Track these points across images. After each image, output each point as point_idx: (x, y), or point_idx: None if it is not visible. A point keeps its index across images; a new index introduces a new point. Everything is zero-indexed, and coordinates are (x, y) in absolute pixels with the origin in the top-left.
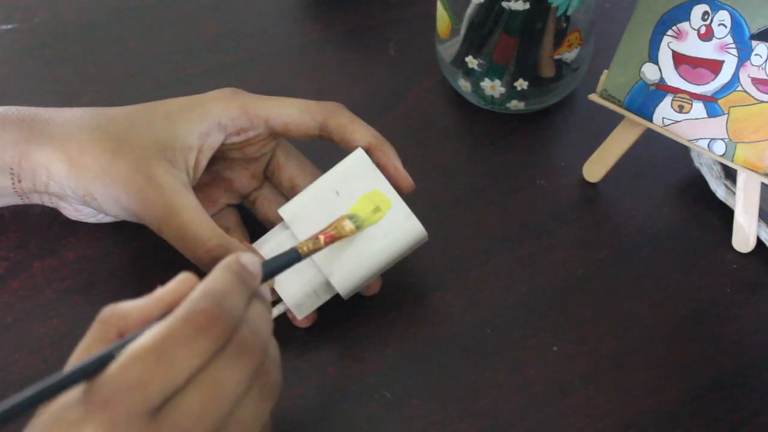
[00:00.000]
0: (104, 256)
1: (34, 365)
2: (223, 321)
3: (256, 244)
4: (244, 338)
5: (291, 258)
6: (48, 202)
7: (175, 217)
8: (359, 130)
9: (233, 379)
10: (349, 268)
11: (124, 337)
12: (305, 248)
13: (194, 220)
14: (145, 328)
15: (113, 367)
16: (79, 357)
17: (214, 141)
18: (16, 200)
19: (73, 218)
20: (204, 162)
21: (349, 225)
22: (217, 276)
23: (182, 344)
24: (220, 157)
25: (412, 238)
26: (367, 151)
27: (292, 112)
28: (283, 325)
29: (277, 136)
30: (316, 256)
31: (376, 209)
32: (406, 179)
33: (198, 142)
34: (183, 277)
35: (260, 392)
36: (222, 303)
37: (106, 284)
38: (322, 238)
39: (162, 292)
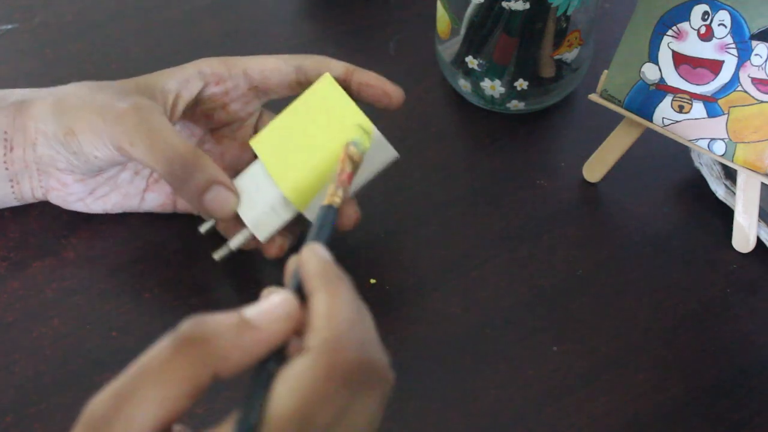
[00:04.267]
0: (104, 256)
1: (34, 365)
2: (367, 363)
3: (235, 181)
4: (377, 367)
5: (331, 216)
6: (37, 185)
7: (147, 127)
8: (333, 62)
9: (367, 414)
10: (304, 181)
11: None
12: (336, 199)
13: (167, 129)
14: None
15: None
16: (150, 370)
17: (194, 87)
18: (7, 190)
19: (61, 202)
20: (181, 106)
21: (355, 152)
22: (337, 300)
23: (327, 404)
24: (208, 136)
25: (379, 159)
26: (345, 77)
27: (269, 61)
28: None
29: (257, 91)
30: (271, 170)
31: (361, 130)
32: (395, 89)
33: (177, 86)
34: (283, 304)
35: (382, 405)
36: (363, 340)
37: (106, 284)
38: (345, 179)
39: (258, 316)
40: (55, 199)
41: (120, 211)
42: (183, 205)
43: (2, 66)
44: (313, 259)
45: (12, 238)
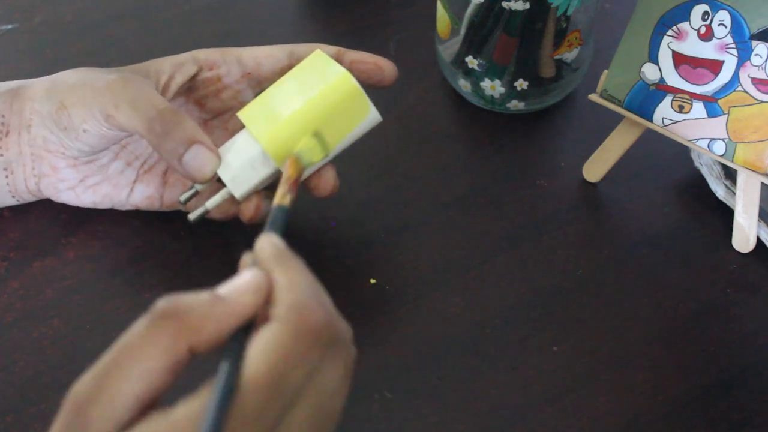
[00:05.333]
0: (104, 256)
1: (34, 365)
2: (330, 326)
3: (221, 150)
4: (341, 333)
5: (282, 216)
6: (30, 173)
7: (133, 91)
8: (325, 46)
9: (335, 378)
10: (284, 137)
11: (229, 347)
12: (286, 200)
13: (152, 93)
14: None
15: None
16: (129, 347)
17: (188, 70)
18: (1, 181)
19: (52, 191)
20: (174, 87)
21: (298, 161)
22: (295, 274)
23: (297, 364)
24: (201, 127)
25: (363, 121)
26: (337, 57)
27: (263, 48)
28: None
29: (250, 79)
30: (252, 130)
31: (347, 106)
32: (388, 63)
33: (171, 68)
34: (254, 280)
35: (347, 373)
36: (324, 304)
37: (106, 284)
38: (293, 185)
39: (229, 290)
40: (47, 187)
41: (108, 205)
42: (169, 200)
43: (2, 66)
44: (267, 244)
45: (12, 238)
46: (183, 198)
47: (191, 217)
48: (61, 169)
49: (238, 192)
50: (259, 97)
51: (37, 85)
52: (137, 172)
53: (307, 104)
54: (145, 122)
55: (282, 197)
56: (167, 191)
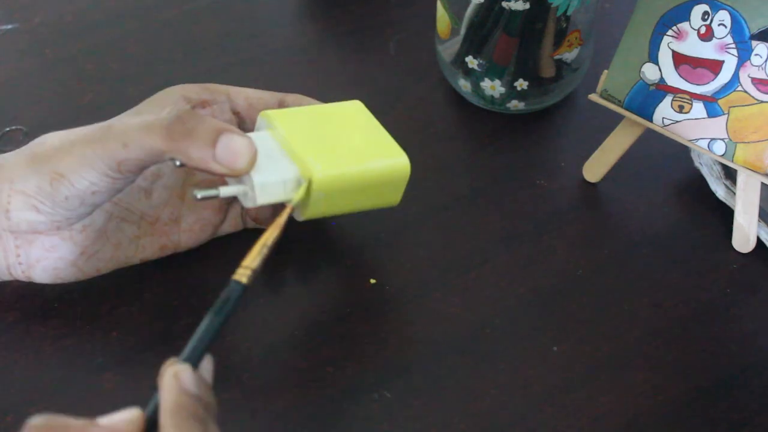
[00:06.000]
0: None
1: (34, 365)
2: None
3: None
4: None
5: (230, 305)
6: (14, 260)
7: (135, 123)
8: (311, 100)
9: None
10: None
11: None
12: (246, 274)
13: (153, 114)
14: None
15: None
16: None
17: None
18: None
19: (50, 275)
20: None
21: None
22: (172, 421)
23: None
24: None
25: (397, 173)
26: (280, 102)
27: (252, 90)
28: (283, 324)
29: (239, 119)
30: (295, 145)
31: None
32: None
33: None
34: (131, 416)
35: None
36: None
37: (106, 284)
38: (271, 245)
39: (106, 424)
40: (42, 273)
41: (114, 267)
42: (187, 243)
43: (2, 66)
44: (172, 389)
45: None
46: (200, 195)
47: (199, 194)
48: (58, 246)
49: (260, 200)
50: (294, 112)
51: (11, 161)
52: (137, 226)
53: (368, 170)
54: (162, 133)
55: (246, 267)
56: (183, 236)
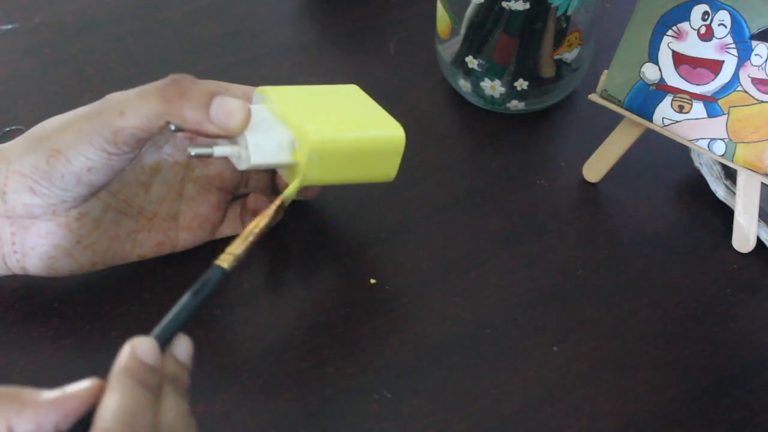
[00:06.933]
0: None
1: (34, 365)
2: None
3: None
4: None
5: (215, 281)
6: (9, 249)
7: (133, 92)
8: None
9: None
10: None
11: None
12: (228, 258)
13: (148, 85)
14: None
15: None
16: None
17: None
18: None
19: (44, 267)
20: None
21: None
22: (123, 393)
23: None
24: (202, 162)
25: (392, 144)
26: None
27: (252, 89)
28: (283, 324)
29: None
30: (288, 113)
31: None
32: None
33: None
34: (88, 385)
35: None
36: (134, 425)
37: (106, 284)
38: (258, 234)
39: (63, 396)
40: (38, 261)
41: (111, 263)
42: (185, 241)
43: (2, 66)
44: (124, 355)
45: None
46: (194, 152)
47: (193, 151)
48: (54, 233)
49: (254, 160)
50: (290, 89)
51: (11, 145)
52: (135, 220)
53: (363, 137)
54: (158, 95)
55: (229, 253)
56: (181, 234)
